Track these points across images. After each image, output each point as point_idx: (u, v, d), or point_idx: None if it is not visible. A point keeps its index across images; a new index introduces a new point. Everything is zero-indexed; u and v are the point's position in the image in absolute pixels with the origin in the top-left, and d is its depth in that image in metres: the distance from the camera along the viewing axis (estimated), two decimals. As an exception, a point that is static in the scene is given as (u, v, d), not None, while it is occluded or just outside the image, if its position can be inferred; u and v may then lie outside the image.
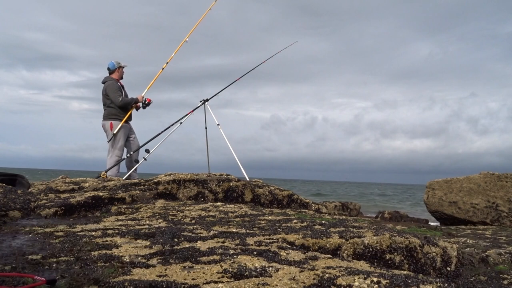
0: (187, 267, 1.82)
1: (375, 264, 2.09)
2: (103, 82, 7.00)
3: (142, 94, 7.04)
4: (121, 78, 7.11)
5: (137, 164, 6.67)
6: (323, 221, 3.10)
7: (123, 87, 7.10)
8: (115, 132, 6.80)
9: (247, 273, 1.72)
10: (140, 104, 7.01)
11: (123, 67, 7.10)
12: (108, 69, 7.02)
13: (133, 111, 7.12)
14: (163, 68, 7.20)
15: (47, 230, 2.70)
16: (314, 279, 1.65)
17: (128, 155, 6.80)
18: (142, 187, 4.24)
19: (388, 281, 1.61)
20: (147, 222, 3.06)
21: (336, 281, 1.61)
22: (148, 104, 7.08)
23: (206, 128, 7.20)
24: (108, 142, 6.92)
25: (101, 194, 3.85)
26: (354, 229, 2.52)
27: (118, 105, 6.79)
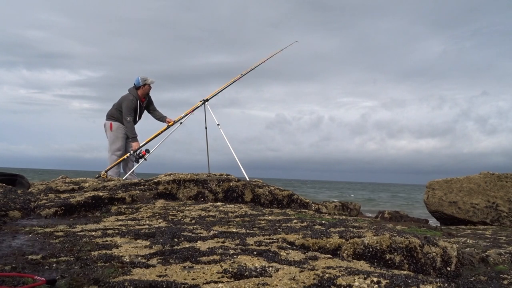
0: (187, 267, 1.82)
1: (375, 264, 2.09)
2: (128, 90, 6.96)
3: (142, 143, 6.80)
4: (147, 94, 6.99)
5: (137, 165, 6.68)
6: (323, 221, 3.10)
7: (142, 106, 6.96)
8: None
9: (247, 273, 1.72)
10: (131, 151, 6.71)
11: (150, 84, 6.94)
12: (134, 85, 6.92)
13: (140, 117, 7.10)
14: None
15: (47, 230, 2.70)
16: (314, 279, 1.65)
17: (126, 156, 6.80)
18: (142, 187, 4.24)
19: (388, 281, 1.61)
20: (147, 222, 3.06)
21: (336, 281, 1.61)
22: (141, 157, 6.61)
23: (206, 128, 7.21)
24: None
25: (101, 194, 3.85)
26: (354, 229, 2.52)
27: (123, 122, 6.81)
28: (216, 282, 1.63)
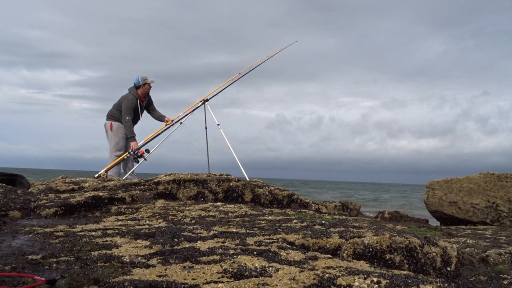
0: (187, 267, 1.82)
1: (375, 264, 2.09)
2: (128, 90, 6.98)
3: (141, 143, 6.81)
4: (147, 93, 7.01)
5: (137, 164, 6.68)
6: (323, 221, 3.10)
7: (142, 106, 6.98)
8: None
9: (247, 273, 1.72)
10: (131, 151, 6.72)
11: (150, 83, 6.96)
12: (134, 84, 6.94)
13: (140, 117, 7.10)
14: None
15: (47, 230, 2.71)
16: (314, 279, 1.65)
17: (126, 156, 6.79)
18: (142, 187, 4.24)
19: (388, 281, 1.61)
20: (147, 222, 3.06)
21: (336, 281, 1.61)
22: (140, 156, 6.64)
23: (206, 128, 7.21)
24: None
25: (101, 194, 3.85)
26: (354, 229, 2.52)
27: (122, 121, 6.82)
28: (216, 282, 1.63)
